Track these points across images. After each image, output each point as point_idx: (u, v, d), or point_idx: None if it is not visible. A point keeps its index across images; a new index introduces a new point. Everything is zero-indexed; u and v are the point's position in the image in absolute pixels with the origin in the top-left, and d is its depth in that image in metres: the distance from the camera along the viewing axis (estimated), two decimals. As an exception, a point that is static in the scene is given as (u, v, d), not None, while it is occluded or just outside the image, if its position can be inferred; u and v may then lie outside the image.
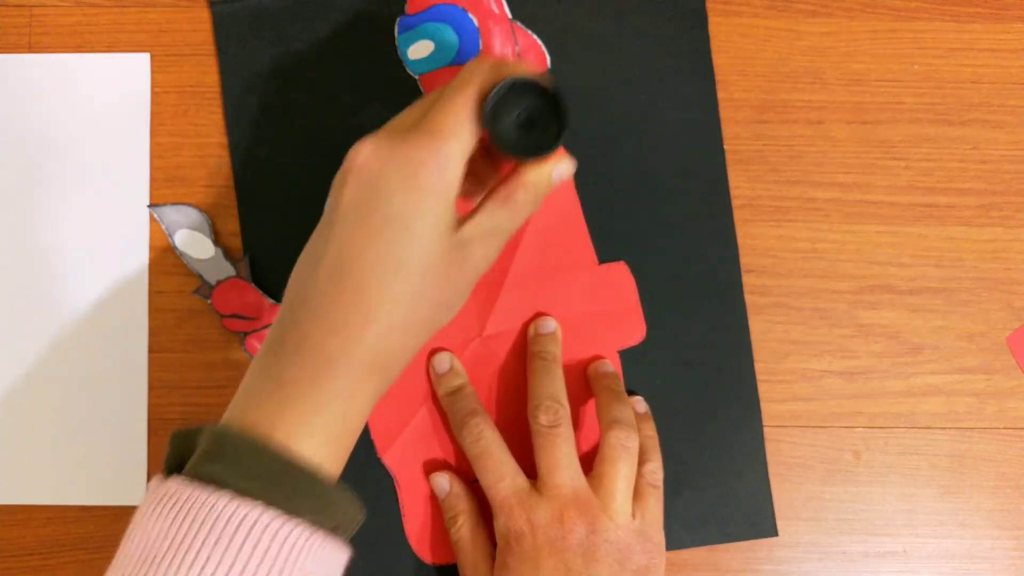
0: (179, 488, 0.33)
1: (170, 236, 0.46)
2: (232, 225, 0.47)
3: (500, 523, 0.41)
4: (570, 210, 0.47)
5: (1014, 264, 0.47)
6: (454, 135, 0.35)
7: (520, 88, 0.36)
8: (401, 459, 0.46)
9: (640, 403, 0.46)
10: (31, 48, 0.48)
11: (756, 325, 0.47)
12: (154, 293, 0.47)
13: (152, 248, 0.47)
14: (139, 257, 0.47)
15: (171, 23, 0.48)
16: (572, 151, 0.46)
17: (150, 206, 0.47)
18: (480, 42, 0.46)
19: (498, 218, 0.37)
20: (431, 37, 0.46)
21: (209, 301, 0.46)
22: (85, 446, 0.46)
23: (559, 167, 0.38)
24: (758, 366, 0.47)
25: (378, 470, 0.46)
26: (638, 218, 0.47)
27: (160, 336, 0.47)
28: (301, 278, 0.37)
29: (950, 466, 0.47)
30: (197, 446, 0.34)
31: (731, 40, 0.48)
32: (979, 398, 0.47)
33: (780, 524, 0.46)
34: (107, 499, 0.46)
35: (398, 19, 0.47)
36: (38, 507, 0.46)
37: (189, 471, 0.33)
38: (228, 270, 0.46)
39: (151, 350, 0.47)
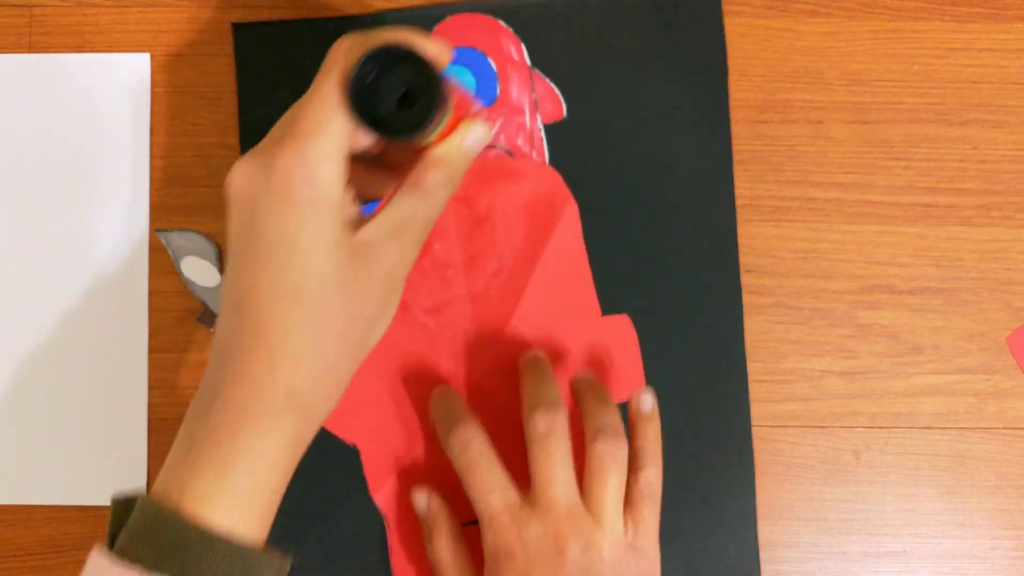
0: (100, 563, 0.32)
1: (176, 262, 0.46)
2: (232, 225, 0.47)
3: (488, 539, 0.39)
4: (576, 259, 0.47)
5: (1014, 264, 0.47)
6: (320, 134, 0.32)
7: (387, 61, 0.32)
8: (393, 500, 0.46)
9: (646, 401, 0.43)
10: (31, 48, 0.48)
11: (756, 325, 0.47)
12: (154, 293, 0.47)
13: (152, 248, 0.47)
14: (139, 257, 0.47)
15: (171, 23, 0.48)
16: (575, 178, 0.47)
17: (158, 231, 0.46)
18: (497, 86, 0.47)
19: (406, 208, 0.34)
20: None
21: (212, 330, 0.46)
22: (85, 446, 0.46)
23: (468, 135, 0.35)
24: (758, 366, 0.47)
25: (366, 506, 0.46)
26: (639, 253, 0.47)
27: (160, 336, 0.47)
28: (216, 328, 0.34)
29: (950, 466, 0.47)
30: (130, 515, 0.33)
31: (731, 40, 0.48)
32: (979, 398, 0.47)
33: (780, 524, 0.46)
34: (107, 499, 0.46)
35: None
36: (38, 507, 0.46)
37: (116, 545, 0.32)
38: None
39: (151, 350, 0.47)
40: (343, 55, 0.33)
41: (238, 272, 0.33)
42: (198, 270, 0.46)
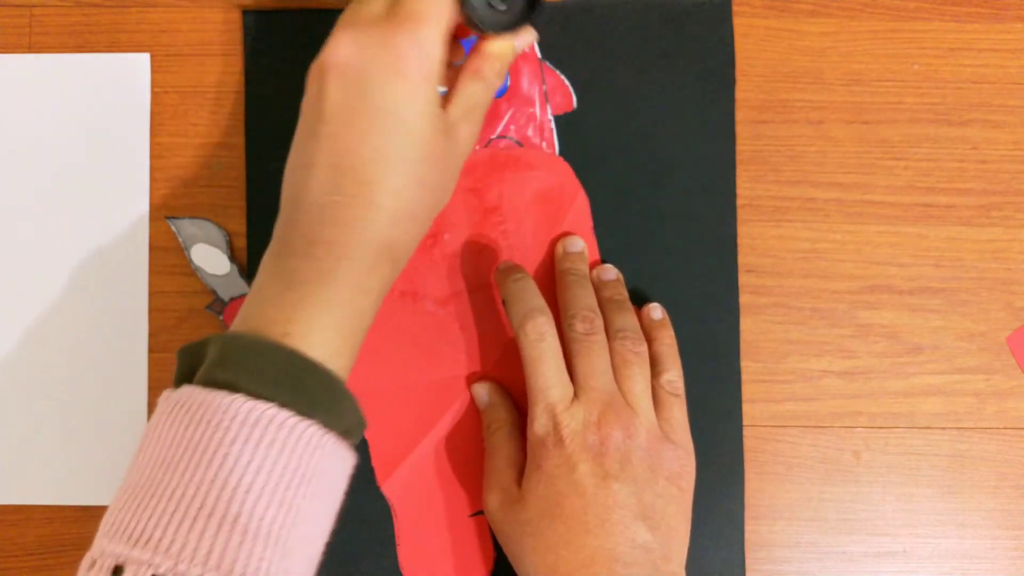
0: (191, 394, 0.33)
1: (186, 250, 0.46)
2: (230, 225, 0.47)
3: (539, 425, 0.41)
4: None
5: (1014, 264, 0.47)
6: (432, 19, 0.36)
7: None
8: (400, 489, 0.46)
9: (656, 310, 0.45)
10: (31, 48, 0.48)
11: (756, 325, 0.47)
12: (154, 293, 0.47)
13: (152, 248, 0.47)
14: (139, 257, 0.47)
15: (171, 23, 0.48)
16: (575, 145, 0.47)
17: (169, 219, 0.47)
18: (508, 78, 0.47)
19: (475, 93, 0.39)
20: None
21: (221, 317, 0.46)
22: (85, 446, 0.46)
23: (523, 37, 0.40)
24: (758, 366, 0.47)
25: (374, 495, 0.46)
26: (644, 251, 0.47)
27: (160, 336, 0.47)
28: (296, 184, 0.37)
29: (950, 466, 0.47)
30: (206, 357, 0.34)
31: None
32: (979, 398, 0.47)
33: (780, 524, 0.46)
34: (107, 499, 0.46)
35: None
36: (38, 507, 0.46)
37: (200, 379, 0.34)
38: (242, 287, 0.46)
39: (151, 350, 0.47)
40: None
41: (338, 135, 0.36)
42: (208, 258, 0.46)
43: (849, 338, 0.47)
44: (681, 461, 0.42)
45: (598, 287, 0.45)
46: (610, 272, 0.46)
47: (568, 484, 0.40)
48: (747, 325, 0.47)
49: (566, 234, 0.46)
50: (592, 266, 0.46)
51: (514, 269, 0.45)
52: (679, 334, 0.45)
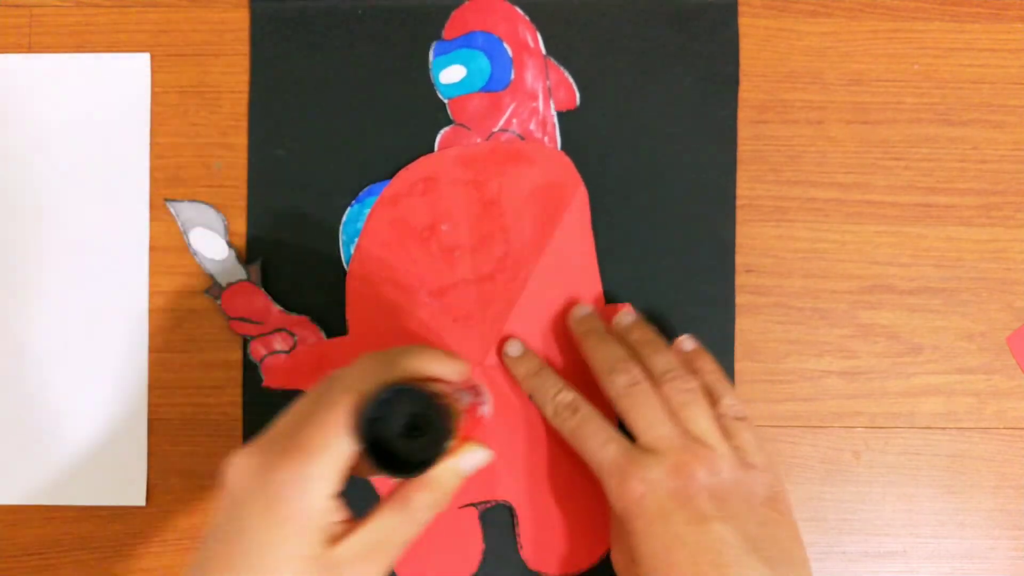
0: None
1: (185, 233, 0.46)
2: (231, 226, 0.47)
3: (613, 487, 0.39)
4: (583, 244, 0.47)
5: (1014, 264, 0.47)
6: (323, 452, 0.33)
7: (402, 393, 0.33)
8: (388, 479, 0.46)
9: (686, 341, 0.44)
10: (31, 48, 0.48)
11: (756, 325, 0.47)
12: (154, 293, 0.47)
13: (152, 248, 0.47)
14: (139, 257, 0.47)
15: (171, 23, 0.48)
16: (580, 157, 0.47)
17: (168, 201, 0.47)
18: (512, 72, 0.47)
19: (387, 528, 0.35)
20: (464, 63, 0.47)
21: (219, 302, 0.46)
22: (85, 446, 0.46)
23: (466, 459, 0.36)
24: (757, 366, 0.47)
25: (363, 486, 0.45)
26: (638, 246, 0.47)
27: (160, 336, 0.47)
28: None
29: (950, 466, 0.47)
30: None
31: (731, 40, 0.48)
32: (979, 398, 0.47)
33: (780, 524, 0.46)
34: (107, 499, 0.46)
35: (433, 43, 0.47)
36: (38, 507, 0.46)
37: None
38: (240, 273, 0.46)
39: (151, 350, 0.47)
40: (361, 377, 0.34)
41: (210, 561, 0.34)
42: (206, 242, 0.46)
43: (849, 338, 0.47)
44: (769, 483, 0.40)
45: (623, 334, 0.44)
46: (627, 316, 0.45)
47: (668, 538, 0.38)
48: (747, 325, 0.47)
49: (572, 303, 0.46)
50: (588, 264, 0.46)
51: (528, 363, 0.44)
52: (673, 334, 0.45)
